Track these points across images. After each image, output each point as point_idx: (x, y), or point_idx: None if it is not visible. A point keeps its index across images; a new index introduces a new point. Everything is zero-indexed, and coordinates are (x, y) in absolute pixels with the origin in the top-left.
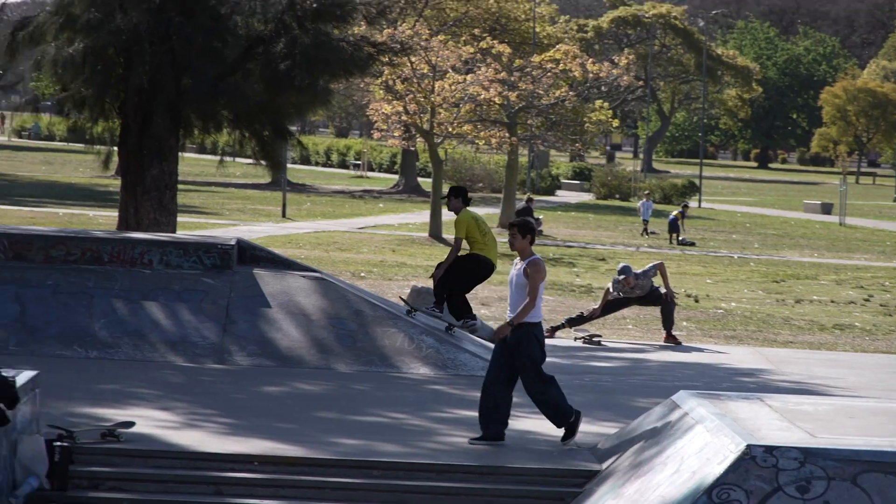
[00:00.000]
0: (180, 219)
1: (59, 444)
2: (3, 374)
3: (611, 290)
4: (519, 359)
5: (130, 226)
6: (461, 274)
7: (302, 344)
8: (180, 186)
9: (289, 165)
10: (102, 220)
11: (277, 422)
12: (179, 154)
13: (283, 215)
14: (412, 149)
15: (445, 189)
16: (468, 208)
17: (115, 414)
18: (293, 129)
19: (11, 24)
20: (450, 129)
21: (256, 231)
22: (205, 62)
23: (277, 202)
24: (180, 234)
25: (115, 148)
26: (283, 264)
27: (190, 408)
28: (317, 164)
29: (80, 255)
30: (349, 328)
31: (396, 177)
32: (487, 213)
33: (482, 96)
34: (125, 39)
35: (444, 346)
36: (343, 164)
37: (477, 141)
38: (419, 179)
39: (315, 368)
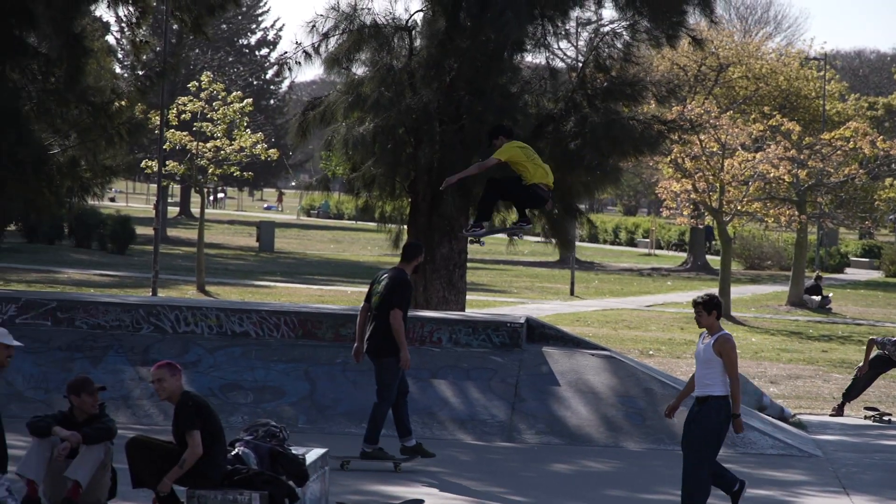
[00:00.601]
0: (469, 296)
1: None
2: (293, 451)
3: (876, 341)
4: (696, 428)
5: (419, 304)
6: (511, 192)
7: (591, 422)
8: (469, 264)
9: (577, 243)
10: None
11: (567, 500)
12: None
13: (572, 293)
14: (701, 227)
15: (737, 266)
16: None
17: (404, 492)
18: (582, 207)
19: (301, 103)
20: (739, 207)
21: (545, 309)
22: None
23: (565, 280)
24: (469, 312)
25: (405, 226)
26: (571, 342)
27: (479, 486)
28: (605, 241)
29: None
30: (638, 406)
31: (685, 255)
32: (776, 290)
33: (772, 174)
34: (415, 118)
35: None
36: (631, 242)
37: (766, 219)
38: (708, 257)
39: (604, 447)
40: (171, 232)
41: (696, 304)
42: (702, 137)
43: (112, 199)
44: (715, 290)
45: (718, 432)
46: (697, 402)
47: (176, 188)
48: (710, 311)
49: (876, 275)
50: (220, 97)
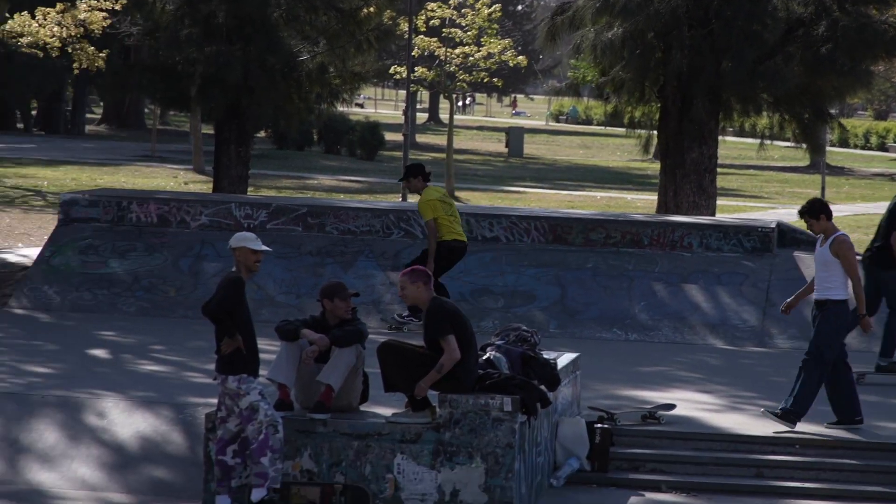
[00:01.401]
0: (719, 202)
1: (599, 426)
2: (545, 356)
3: None
4: (815, 332)
5: (669, 209)
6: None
7: None
8: (718, 169)
9: (827, 148)
10: (640, 203)
11: (818, 405)
12: (719, 137)
13: (822, 198)
14: None
15: None
16: (430, 185)
17: (656, 396)
18: (833, 111)
19: (549, 9)
20: None
21: (795, 214)
22: (744, 45)
23: (816, 185)
24: (719, 217)
25: (654, 132)
26: None
27: (730, 390)
28: (855, 146)
29: (619, 238)
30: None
31: None
32: None
33: None
34: (664, 23)
35: None
36: (882, 147)
37: None
38: None
39: (857, 351)
40: (420, 138)
41: (801, 214)
42: None
43: (360, 106)
44: None
45: (836, 335)
46: (816, 305)
47: (425, 94)
48: (818, 215)
49: None
50: (468, 4)
